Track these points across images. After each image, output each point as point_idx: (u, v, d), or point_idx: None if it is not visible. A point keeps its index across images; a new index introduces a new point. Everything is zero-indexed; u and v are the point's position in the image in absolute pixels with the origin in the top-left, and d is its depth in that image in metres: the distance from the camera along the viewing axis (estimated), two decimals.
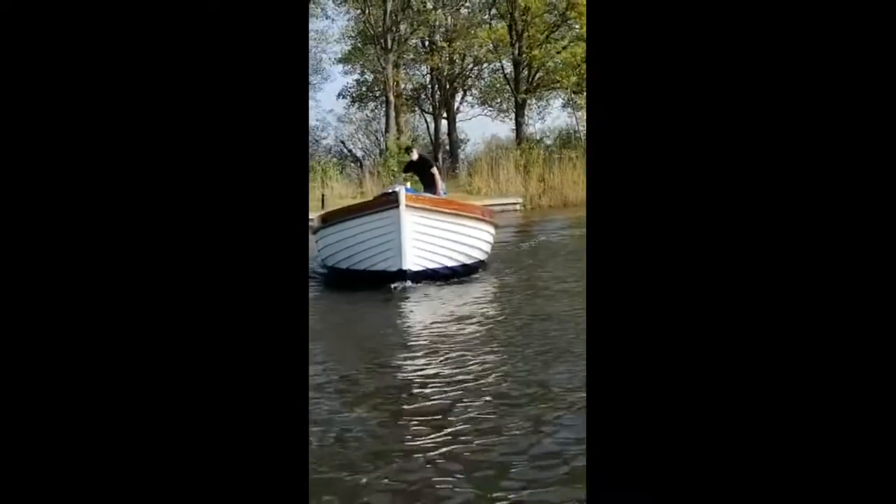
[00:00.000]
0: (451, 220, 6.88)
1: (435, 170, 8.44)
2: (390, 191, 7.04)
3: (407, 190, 7.10)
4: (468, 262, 7.23)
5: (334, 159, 26.49)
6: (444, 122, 24.03)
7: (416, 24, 23.58)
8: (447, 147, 23.50)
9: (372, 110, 26.08)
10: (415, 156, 8.63)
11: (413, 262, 6.35)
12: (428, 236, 6.51)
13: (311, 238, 7.41)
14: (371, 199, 8.22)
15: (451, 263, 6.87)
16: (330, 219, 7.65)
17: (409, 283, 6.32)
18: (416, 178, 8.71)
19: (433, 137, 24.36)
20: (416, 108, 25.26)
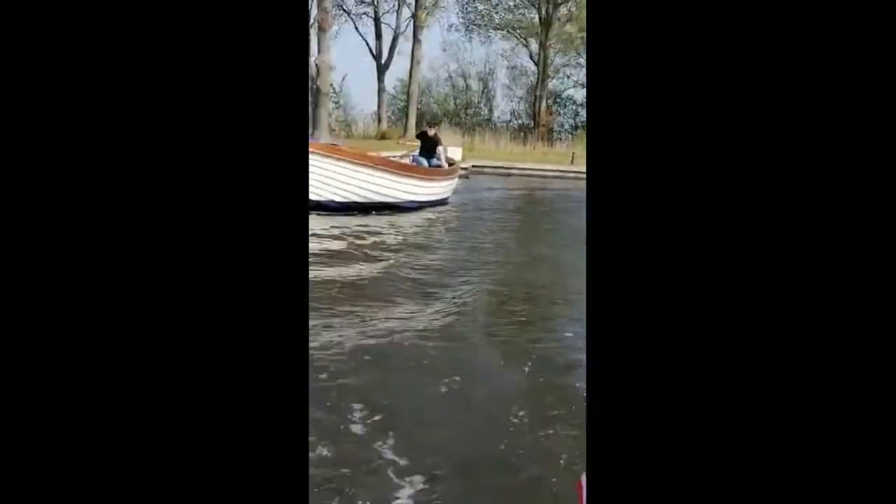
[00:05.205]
0: (336, 163, 8.57)
1: (440, 148, 10.87)
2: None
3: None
4: (361, 200, 9.04)
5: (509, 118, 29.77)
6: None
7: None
8: None
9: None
10: (430, 132, 11.09)
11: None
12: (319, 177, 8.32)
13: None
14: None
15: (338, 199, 8.75)
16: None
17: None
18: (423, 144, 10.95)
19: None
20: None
